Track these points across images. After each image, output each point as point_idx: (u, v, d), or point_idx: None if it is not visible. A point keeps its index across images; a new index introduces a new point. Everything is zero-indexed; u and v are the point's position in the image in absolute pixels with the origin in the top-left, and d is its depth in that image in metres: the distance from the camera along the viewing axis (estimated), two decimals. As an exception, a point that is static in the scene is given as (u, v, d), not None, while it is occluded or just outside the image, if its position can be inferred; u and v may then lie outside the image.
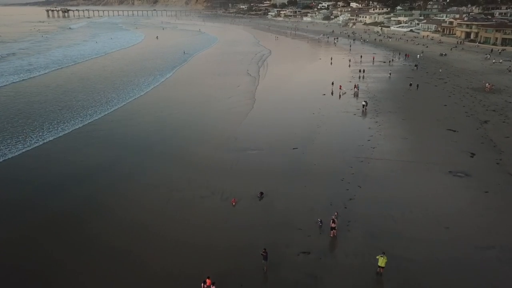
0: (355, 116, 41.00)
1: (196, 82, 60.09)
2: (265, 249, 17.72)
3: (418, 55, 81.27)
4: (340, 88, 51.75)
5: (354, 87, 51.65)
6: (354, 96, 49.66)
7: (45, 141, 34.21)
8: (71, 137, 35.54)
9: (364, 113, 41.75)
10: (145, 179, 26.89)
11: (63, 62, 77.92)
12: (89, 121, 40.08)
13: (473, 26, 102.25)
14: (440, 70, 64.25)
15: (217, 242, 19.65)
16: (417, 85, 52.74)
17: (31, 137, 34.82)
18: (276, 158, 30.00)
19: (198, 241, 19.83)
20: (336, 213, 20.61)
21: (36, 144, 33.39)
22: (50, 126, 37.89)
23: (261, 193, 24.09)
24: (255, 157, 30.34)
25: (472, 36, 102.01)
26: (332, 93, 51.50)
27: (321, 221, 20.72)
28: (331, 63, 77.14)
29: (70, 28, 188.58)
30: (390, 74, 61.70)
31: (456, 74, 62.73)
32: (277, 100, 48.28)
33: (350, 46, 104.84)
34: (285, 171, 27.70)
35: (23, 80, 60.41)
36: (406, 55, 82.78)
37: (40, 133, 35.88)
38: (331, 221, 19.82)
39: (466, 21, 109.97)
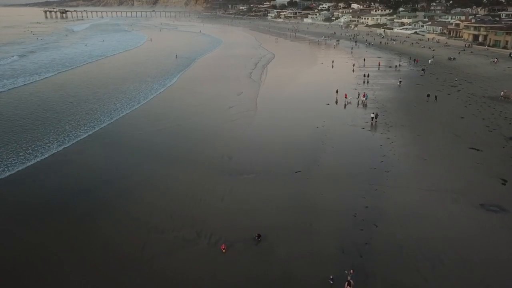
0: (363, 131, 36.80)
1: (196, 90, 55.31)
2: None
3: (430, 60, 75.89)
4: (345, 97, 47.58)
5: (362, 96, 47.40)
6: (359, 105, 45.81)
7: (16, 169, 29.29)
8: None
9: (373, 127, 37.62)
10: (119, 215, 22.60)
11: (49, 69, 73.45)
12: (59, 149, 32.44)
13: (482, 29, 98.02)
14: (456, 79, 59.05)
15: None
16: (436, 96, 47.50)
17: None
18: (276, 185, 25.80)
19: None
20: (352, 271, 16.46)
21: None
22: (18, 146, 33.25)
23: (258, 236, 19.87)
24: (251, 184, 26.09)
25: (480, 39, 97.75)
26: (336, 102, 47.40)
27: (332, 279, 16.56)
28: (332, 66, 73.63)
29: (73, 31, 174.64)
30: (400, 82, 56.81)
31: (469, 80, 58.50)
32: (279, 111, 43.99)
33: (352, 49, 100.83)
34: (287, 203, 23.51)
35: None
36: (415, 60, 77.41)
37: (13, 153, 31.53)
38: (346, 283, 15.67)
39: (473, 23, 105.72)
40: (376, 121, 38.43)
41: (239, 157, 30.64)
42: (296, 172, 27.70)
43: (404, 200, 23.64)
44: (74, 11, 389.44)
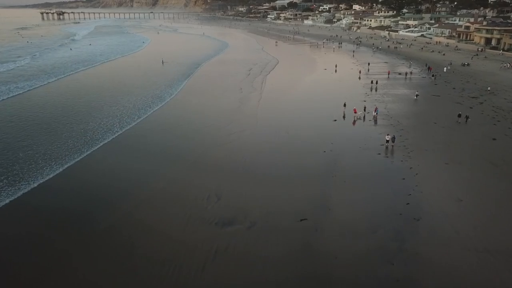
0: (380, 157, 30.92)
1: (189, 103, 49.39)
2: None
3: (445, 68, 68.61)
4: (355, 112, 41.78)
5: (373, 111, 41.66)
6: (365, 119, 40.52)
7: None
8: None
9: (390, 151, 31.78)
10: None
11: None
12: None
13: (495, 32, 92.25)
14: (489, 88, 52.75)
15: None
16: (466, 117, 39.07)
17: None
18: (276, 241, 19.89)
19: None
20: None
21: None
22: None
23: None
24: (243, 240, 20.10)
25: (493, 43, 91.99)
26: (344, 117, 41.69)
27: None
28: (335, 71, 68.86)
29: (75, 35, 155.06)
30: (417, 95, 49.67)
31: (491, 90, 52.65)
32: (280, 130, 37.64)
33: (354, 52, 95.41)
34: (291, 272, 17.64)
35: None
36: (428, 67, 69.83)
37: None
38: None
39: (485, 25, 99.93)
40: (393, 145, 32.55)
41: (229, 196, 24.72)
42: (301, 220, 21.83)
43: (446, 268, 17.72)
44: (72, 12, 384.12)
